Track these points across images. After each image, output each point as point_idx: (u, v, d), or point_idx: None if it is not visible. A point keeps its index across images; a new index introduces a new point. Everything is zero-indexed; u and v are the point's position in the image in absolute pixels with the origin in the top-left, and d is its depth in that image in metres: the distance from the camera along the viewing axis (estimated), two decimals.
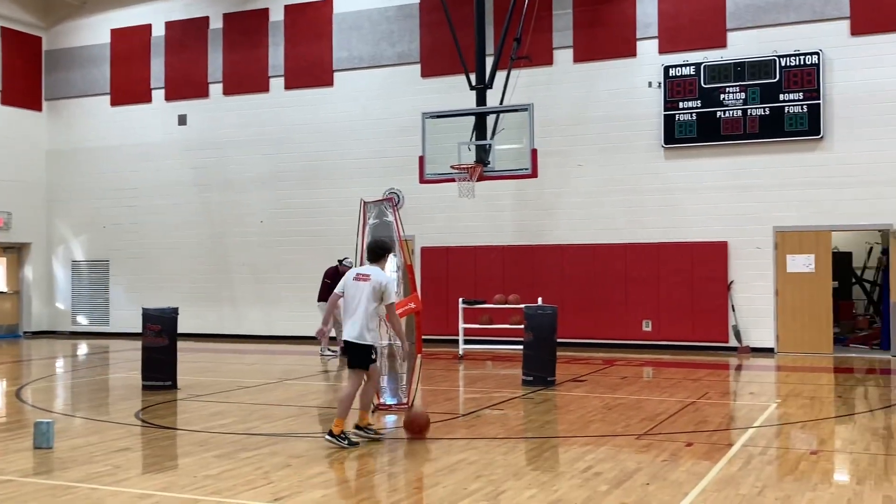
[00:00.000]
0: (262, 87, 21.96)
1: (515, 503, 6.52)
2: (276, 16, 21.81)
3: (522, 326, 13.51)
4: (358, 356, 8.76)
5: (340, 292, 8.84)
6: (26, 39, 24.03)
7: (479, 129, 16.89)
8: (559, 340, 13.59)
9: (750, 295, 17.64)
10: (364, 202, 11.02)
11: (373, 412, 10.49)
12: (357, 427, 8.86)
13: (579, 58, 19.05)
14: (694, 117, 17.95)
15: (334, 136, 21.12)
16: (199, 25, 22.63)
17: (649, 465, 7.67)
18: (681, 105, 18.04)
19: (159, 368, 12.65)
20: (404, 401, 10.74)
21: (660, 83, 18.21)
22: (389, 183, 19.92)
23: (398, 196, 19.93)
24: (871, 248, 20.20)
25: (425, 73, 20.24)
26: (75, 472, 7.58)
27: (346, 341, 8.76)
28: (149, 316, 12.87)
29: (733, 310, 17.71)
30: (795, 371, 14.88)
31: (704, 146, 17.93)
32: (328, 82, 21.31)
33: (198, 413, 10.79)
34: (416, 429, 8.98)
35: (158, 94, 23.12)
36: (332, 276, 17.07)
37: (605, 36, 18.83)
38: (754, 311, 17.61)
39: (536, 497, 6.67)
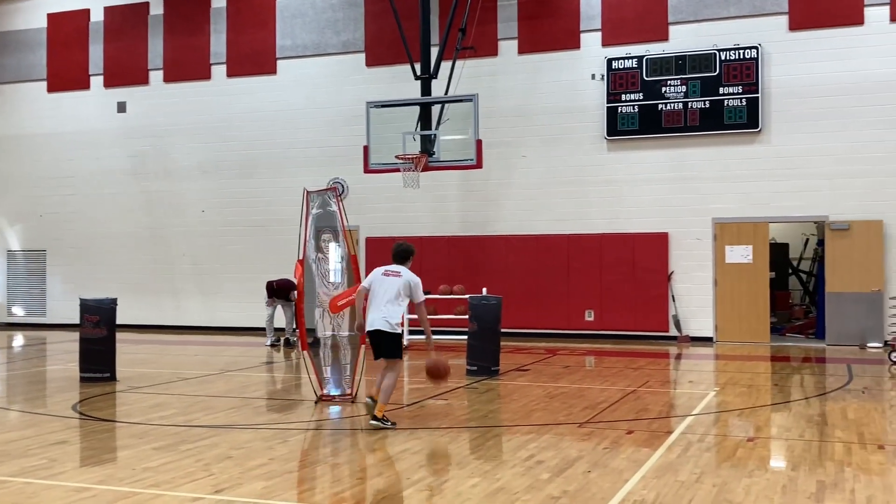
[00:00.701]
0: (204, 74, 21.66)
1: (458, 492, 6.54)
2: (219, 2, 21.54)
3: (467, 317, 13.55)
4: (391, 345, 9.22)
5: (368, 286, 9.29)
6: None
7: (424, 120, 16.89)
8: (503, 330, 13.66)
9: (689, 285, 17.92)
10: (307, 192, 10.94)
11: (316, 403, 10.46)
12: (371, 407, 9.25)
13: (524, 49, 19.12)
14: (636, 110, 18.14)
15: (277, 125, 20.93)
16: (139, 11, 22.25)
17: (591, 453, 7.75)
18: (623, 97, 18.22)
19: (98, 360, 12.45)
20: (348, 392, 10.70)
21: (603, 75, 18.37)
22: (333, 172, 19.84)
23: (342, 186, 19.84)
24: (807, 240, 20.65)
25: (370, 63, 20.16)
26: (9, 466, 7.43)
27: (377, 331, 9.14)
28: (87, 307, 12.64)
29: (673, 300, 17.97)
30: (733, 360, 15.16)
31: (646, 138, 18.14)
32: (271, 70, 21.11)
33: (137, 405, 10.63)
34: (438, 374, 9.42)
35: (97, 81, 22.69)
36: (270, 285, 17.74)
37: (550, 28, 18.93)
38: (694, 301, 17.90)
39: (479, 486, 6.71)
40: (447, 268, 18.88)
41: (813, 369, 14.40)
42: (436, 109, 17.02)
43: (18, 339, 20.25)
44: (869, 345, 16.54)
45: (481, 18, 18.33)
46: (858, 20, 16.95)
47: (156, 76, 22.15)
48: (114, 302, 12.80)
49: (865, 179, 16.83)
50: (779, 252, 19.90)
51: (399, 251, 9.53)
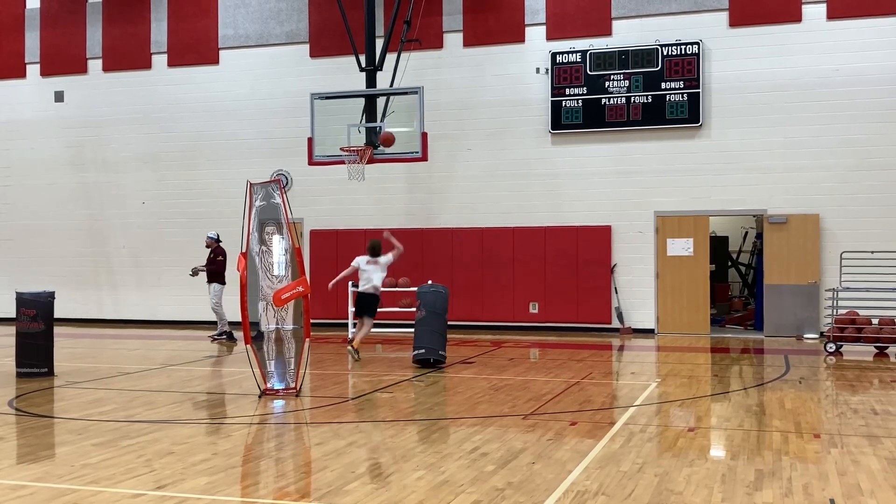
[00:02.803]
0: (144, 63, 21.30)
1: (403, 485, 6.54)
2: None
3: (413, 309, 13.60)
4: (371, 304, 13.80)
5: (357, 266, 13.81)
6: None
7: (370, 112, 16.82)
8: (449, 323, 13.67)
9: (632, 277, 18.14)
10: (251, 184, 10.82)
11: (260, 397, 10.37)
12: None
13: (469, 42, 19.14)
14: (580, 104, 18.27)
15: (219, 116, 20.66)
16: None
17: (535, 445, 7.81)
18: (567, 91, 18.34)
19: (34, 355, 12.19)
20: (292, 386, 10.63)
21: (547, 69, 18.47)
22: (277, 164, 19.67)
23: (286, 178, 19.68)
24: (745, 233, 21.03)
25: (314, 54, 20.00)
26: None
27: (366, 293, 13.78)
28: (23, 300, 12.35)
29: (616, 292, 18.17)
30: (674, 351, 15.38)
31: (590, 132, 18.29)
32: (213, 60, 20.82)
33: (76, 401, 10.45)
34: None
35: (33, 70, 22.17)
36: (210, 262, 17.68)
37: (495, 21, 18.97)
38: (636, 293, 18.12)
39: (424, 478, 6.71)
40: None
41: (751, 360, 14.68)
42: (381, 101, 16.96)
43: None
44: (805, 336, 16.90)
45: (426, 10, 18.32)
46: (796, 17, 17.28)
47: (94, 65, 21.70)
48: (51, 296, 12.53)
49: (803, 174, 17.19)
50: (719, 245, 20.23)
51: (373, 247, 14.01)
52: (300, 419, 9.32)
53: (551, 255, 18.45)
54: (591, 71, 18.19)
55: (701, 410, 9.85)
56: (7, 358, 13.96)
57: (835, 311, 14.76)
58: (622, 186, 18.15)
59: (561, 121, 18.38)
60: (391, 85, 17.25)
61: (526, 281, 18.59)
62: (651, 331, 17.95)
